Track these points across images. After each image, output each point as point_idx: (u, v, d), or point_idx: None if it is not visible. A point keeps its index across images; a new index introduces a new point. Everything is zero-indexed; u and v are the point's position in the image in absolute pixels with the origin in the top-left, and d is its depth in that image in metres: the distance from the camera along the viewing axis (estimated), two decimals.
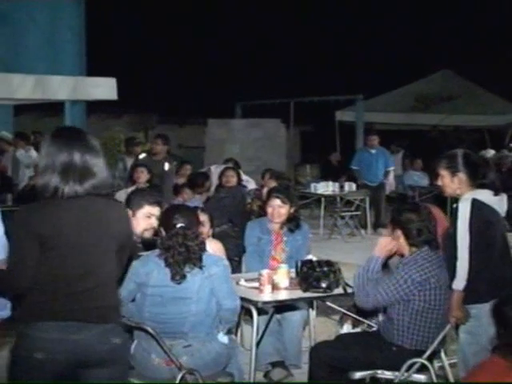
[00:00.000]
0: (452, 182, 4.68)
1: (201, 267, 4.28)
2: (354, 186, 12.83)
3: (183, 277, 4.27)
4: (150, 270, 4.34)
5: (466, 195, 4.60)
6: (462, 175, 4.64)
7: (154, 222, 4.83)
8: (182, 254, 4.27)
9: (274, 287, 5.04)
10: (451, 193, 4.75)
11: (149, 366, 4.33)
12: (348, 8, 27.04)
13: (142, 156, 10.49)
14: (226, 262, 4.47)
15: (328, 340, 5.28)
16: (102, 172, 3.32)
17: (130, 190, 9.49)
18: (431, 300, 4.50)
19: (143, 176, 9.35)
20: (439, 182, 4.78)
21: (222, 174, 9.52)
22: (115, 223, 3.33)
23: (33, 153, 12.85)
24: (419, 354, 4.52)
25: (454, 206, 4.74)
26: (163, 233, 4.44)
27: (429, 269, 4.50)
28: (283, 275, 5.12)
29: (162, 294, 4.31)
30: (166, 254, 4.30)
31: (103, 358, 3.24)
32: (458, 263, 4.50)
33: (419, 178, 14.92)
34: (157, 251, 4.41)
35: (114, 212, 3.36)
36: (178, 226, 4.34)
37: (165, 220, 4.49)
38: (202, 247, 4.33)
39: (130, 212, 4.77)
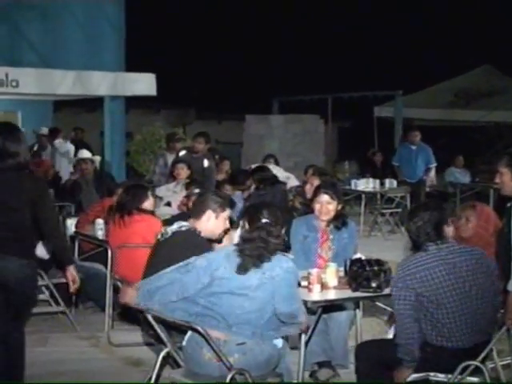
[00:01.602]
0: None
1: (264, 263, 4.22)
2: (394, 183, 12.71)
3: (247, 270, 4.22)
4: (217, 266, 4.28)
5: None
6: None
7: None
8: (259, 248, 4.23)
9: (323, 286, 4.96)
10: (510, 191, 4.62)
11: (200, 360, 4.26)
12: (387, 2, 26.79)
13: (182, 153, 10.47)
14: (291, 265, 4.35)
15: (374, 339, 5.20)
16: (20, 155, 4.80)
17: (171, 185, 9.53)
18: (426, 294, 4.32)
19: (183, 172, 9.38)
20: (497, 180, 4.65)
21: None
22: (28, 190, 4.82)
23: (69, 145, 12.85)
24: (455, 353, 4.36)
25: (508, 204, 4.62)
26: (246, 226, 4.43)
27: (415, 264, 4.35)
28: (332, 274, 5.04)
29: (222, 285, 4.24)
30: (244, 246, 4.26)
31: (17, 283, 4.76)
32: None
33: (460, 175, 14.74)
34: (231, 247, 4.38)
35: (27, 182, 4.86)
36: (264, 221, 4.33)
37: (251, 214, 4.49)
38: (280, 247, 4.30)
39: (214, 214, 5.03)
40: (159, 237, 5.22)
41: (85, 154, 10.82)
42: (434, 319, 4.33)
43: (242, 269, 4.22)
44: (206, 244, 5.09)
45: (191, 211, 5.37)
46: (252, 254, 4.22)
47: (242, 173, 9.72)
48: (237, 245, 4.33)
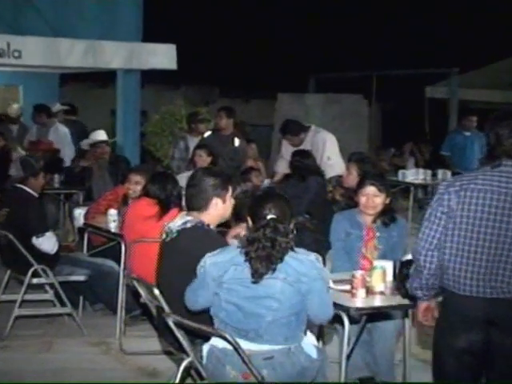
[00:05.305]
0: None
1: (276, 264, 4.18)
2: (448, 174, 12.62)
3: (261, 275, 4.17)
4: (226, 267, 4.27)
5: None
6: None
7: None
8: (266, 248, 4.17)
9: (368, 291, 4.94)
10: None
11: (224, 379, 4.26)
12: None
13: (207, 134, 10.42)
14: (319, 266, 4.30)
15: None
16: None
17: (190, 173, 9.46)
18: None
19: (201, 160, 9.21)
20: None
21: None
22: None
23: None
24: None
25: None
26: (250, 223, 4.37)
27: None
28: (379, 277, 5.00)
29: (239, 290, 4.22)
30: (249, 248, 4.21)
31: None
32: None
33: None
34: (235, 245, 4.36)
35: None
36: (269, 217, 4.26)
37: (254, 209, 4.39)
38: (290, 246, 4.23)
39: (220, 199, 5.09)
40: (164, 236, 5.13)
41: (101, 135, 10.72)
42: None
43: (257, 276, 4.18)
44: (219, 239, 5.03)
45: (189, 203, 5.16)
46: (259, 256, 4.18)
47: (297, 124, 9.77)
48: (242, 246, 4.27)
